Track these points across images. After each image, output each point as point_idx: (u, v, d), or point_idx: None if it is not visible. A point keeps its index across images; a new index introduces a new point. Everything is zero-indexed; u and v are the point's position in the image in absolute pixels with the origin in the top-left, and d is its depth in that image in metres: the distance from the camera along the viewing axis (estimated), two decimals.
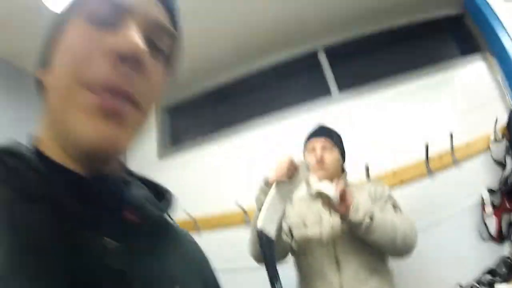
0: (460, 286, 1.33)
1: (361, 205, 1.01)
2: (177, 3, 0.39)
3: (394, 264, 1.20)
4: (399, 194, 1.55)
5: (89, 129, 0.30)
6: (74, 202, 0.31)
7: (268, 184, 1.01)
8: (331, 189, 0.99)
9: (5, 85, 1.83)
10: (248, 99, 2.34)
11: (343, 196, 0.99)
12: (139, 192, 0.40)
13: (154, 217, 0.40)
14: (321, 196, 1.02)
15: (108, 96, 0.30)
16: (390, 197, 1.20)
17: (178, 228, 0.47)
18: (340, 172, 1.27)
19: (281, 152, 1.15)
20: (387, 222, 1.02)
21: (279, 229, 1.02)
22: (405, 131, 1.75)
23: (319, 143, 1.26)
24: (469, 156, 1.58)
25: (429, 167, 1.61)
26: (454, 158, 1.59)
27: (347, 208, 1.00)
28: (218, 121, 2.30)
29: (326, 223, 1.14)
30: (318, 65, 2.18)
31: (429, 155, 1.61)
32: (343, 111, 1.94)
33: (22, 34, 1.65)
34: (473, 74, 1.82)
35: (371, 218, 1.00)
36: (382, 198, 1.18)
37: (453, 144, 1.59)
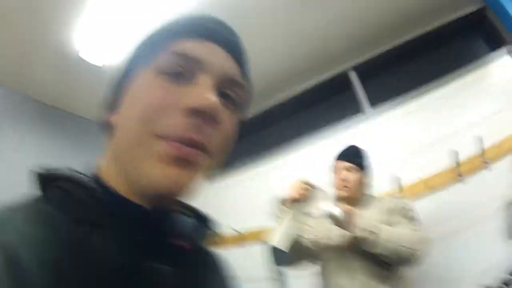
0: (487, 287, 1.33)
1: (366, 224, 1.15)
2: (246, 55, 0.41)
3: (426, 265, 1.25)
4: (431, 202, 1.61)
5: (162, 175, 0.31)
6: (133, 229, 0.33)
7: (282, 203, 1.18)
8: (338, 211, 1.15)
9: (40, 124, 2.10)
10: (285, 123, 2.54)
11: (348, 217, 1.15)
12: (186, 220, 0.42)
13: (200, 245, 0.43)
14: (331, 217, 1.17)
15: (182, 146, 0.31)
16: (407, 211, 1.29)
17: (213, 252, 0.50)
18: (364, 189, 1.40)
19: (315, 172, 1.31)
20: (392, 236, 1.14)
21: (295, 241, 1.18)
22: (436, 137, 1.76)
23: (342, 164, 1.40)
24: (500, 157, 1.54)
25: (460, 171, 1.61)
26: (484, 160, 1.57)
27: (353, 226, 1.15)
28: (259, 145, 2.49)
29: (343, 237, 1.26)
30: (349, 84, 2.29)
31: (459, 160, 1.62)
32: (374, 126, 2.01)
33: (52, 77, 1.95)
34: (503, 71, 1.75)
35: (375, 235, 1.12)
36: (398, 212, 1.28)
37: (483, 146, 1.58)
